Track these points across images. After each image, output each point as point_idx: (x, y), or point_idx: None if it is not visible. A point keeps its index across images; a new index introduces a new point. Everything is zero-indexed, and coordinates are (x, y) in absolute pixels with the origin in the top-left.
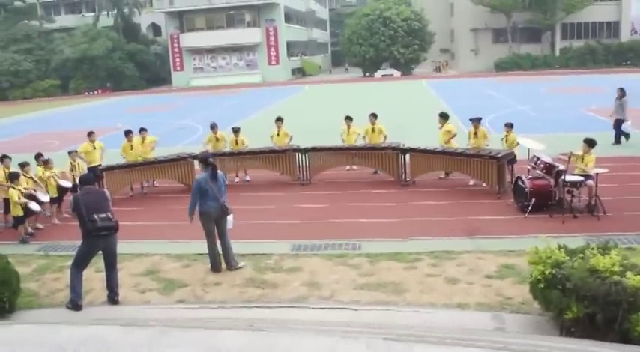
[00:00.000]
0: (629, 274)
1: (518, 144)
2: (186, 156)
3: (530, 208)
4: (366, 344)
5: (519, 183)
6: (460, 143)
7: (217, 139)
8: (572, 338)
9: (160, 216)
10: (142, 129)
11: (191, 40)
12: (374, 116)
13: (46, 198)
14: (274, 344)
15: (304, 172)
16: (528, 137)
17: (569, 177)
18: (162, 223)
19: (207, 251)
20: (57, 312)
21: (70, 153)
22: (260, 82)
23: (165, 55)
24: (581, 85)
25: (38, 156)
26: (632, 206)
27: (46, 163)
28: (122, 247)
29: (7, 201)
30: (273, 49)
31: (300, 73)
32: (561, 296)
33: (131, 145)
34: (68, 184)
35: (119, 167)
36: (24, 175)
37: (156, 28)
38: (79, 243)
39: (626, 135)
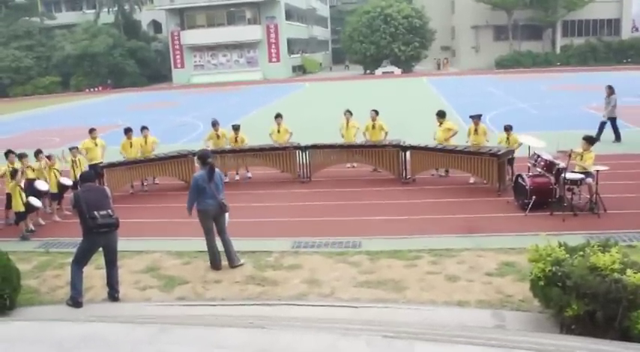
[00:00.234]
0: (629, 272)
1: (521, 144)
2: (186, 153)
3: (530, 206)
4: (366, 342)
5: (520, 180)
6: (459, 140)
7: (218, 137)
8: (572, 335)
9: (160, 213)
10: (144, 128)
11: (192, 37)
12: (375, 112)
13: (44, 187)
14: (275, 342)
15: (305, 170)
16: (529, 135)
17: (569, 175)
18: (162, 220)
19: (207, 248)
20: (57, 309)
21: (70, 149)
22: (261, 79)
23: (165, 52)
24: (582, 83)
25: (37, 152)
26: (632, 203)
27: (48, 159)
28: (122, 244)
29: (8, 196)
30: (273, 47)
31: (300, 70)
32: (561, 293)
33: (130, 143)
34: (69, 182)
35: (120, 164)
36: (23, 167)
37: (156, 25)
38: (79, 240)
39: (617, 135)
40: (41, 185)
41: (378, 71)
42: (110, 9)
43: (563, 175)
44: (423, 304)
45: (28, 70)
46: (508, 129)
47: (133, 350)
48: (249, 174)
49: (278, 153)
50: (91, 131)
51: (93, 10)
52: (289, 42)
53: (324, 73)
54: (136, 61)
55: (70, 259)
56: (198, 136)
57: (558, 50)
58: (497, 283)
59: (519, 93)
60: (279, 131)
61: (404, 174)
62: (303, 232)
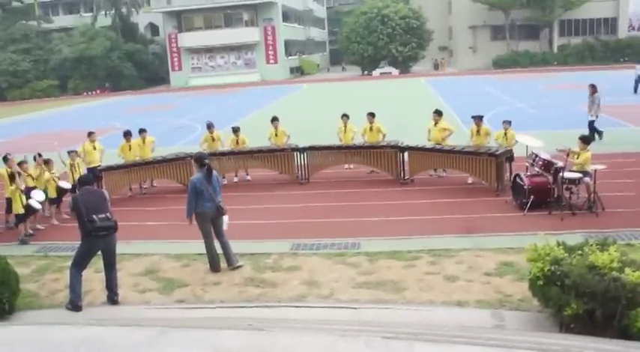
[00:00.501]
0: (627, 270)
1: (517, 142)
2: (184, 155)
3: (529, 205)
4: (365, 343)
5: (518, 180)
6: (456, 141)
7: (213, 139)
8: (571, 334)
9: (159, 215)
10: (142, 130)
11: (189, 39)
12: (372, 115)
13: (41, 197)
14: (274, 344)
15: (303, 171)
16: (527, 134)
17: (567, 174)
18: (161, 223)
19: (205, 251)
20: (56, 313)
21: (69, 153)
22: (258, 81)
23: (163, 54)
24: (580, 82)
25: (37, 156)
26: (630, 202)
27: (46, 163)
28: (121, 247)
29: (8, 201)
30: (271, 48)
31: (298, 71)
32: (560, 292)
33: (129, 146)
34: (67, 185)
35: (118, 167)
36: (23, 173)
37: (154, 28)
38: (78, 243)
39: (600, 133)
40: (35, 203)
41: (376, 72)
42: (107, 12)
43: (561, 174)
44: (422, 304)
45: (25, 73)
46: (507, 123)
47: None
48: (249, 177)
49: (276, 155)
50: (90, 134)
51: (90, 14)
52: (286, 43)
53: (321, 74)
54: (134, 64)
55: (69, 263)
56: (196, 139)
57: (555, 50)
58: (496, 283)
59: (517, 93)
60: (276, 134)
61: (402, 175)
62: (301, 234)
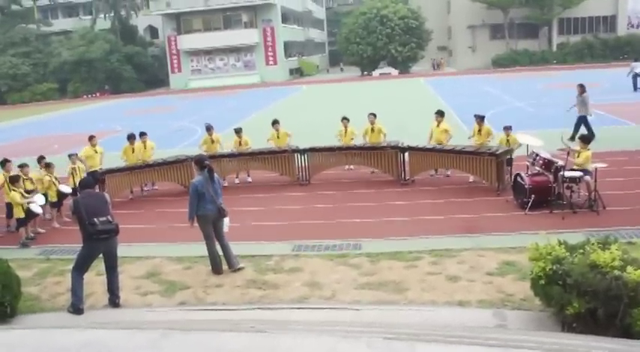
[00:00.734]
0: (629, 269)
1: (520, 145)
2: (185, 158)
3: (529, 205)
4: (366, 344)
5: (519, 179)
6: (459, 141)
7: (212, 141)
8: (573, 333)
9: (160, 218)
10: (142, 134)
11: (188, 41)
12: (373, 115)
13: (41, 201)
14: (276, 345)
15: (304, 172)
16: (527, 133)
17: (568, 173)
18: (162, 225)
19: (207, 253)
20: (58, 316)
21: (70, 156)
22: (258, 83)
23: (162, 56)
24: (579, 80)
25: (40, 158)
26: (631, 200)
27: (47, 167)
28: (122, 250)
29: (9, 205)
30: (270, 50)
31: (298, 72)
32: (562, 292)
33: (132, 149)
34: (68, 189)
35: (119, 170)
36: (23, 177)
37: (153, 30)
38: (79, 246)
39: (591, 132)
40: (36, 208)
41: (376, 72)
42: (106, 15)
43: (561, 173)
44: (424, 305)
45: (25, 76)
46: (508, 128)
47: None
48: (250, 179)
49: (277, 156)
50: (91, 138)
51: (89, 17)
52: (286, 45)
53: (321, 75)
54: (133, 67)
55: (71, 266)
56: (196, 141)
57: (555, 48)
58: (498, 282)
59: (516, 92)
60: (278, 136)
61: (403, 176)
62: (303, 235)
